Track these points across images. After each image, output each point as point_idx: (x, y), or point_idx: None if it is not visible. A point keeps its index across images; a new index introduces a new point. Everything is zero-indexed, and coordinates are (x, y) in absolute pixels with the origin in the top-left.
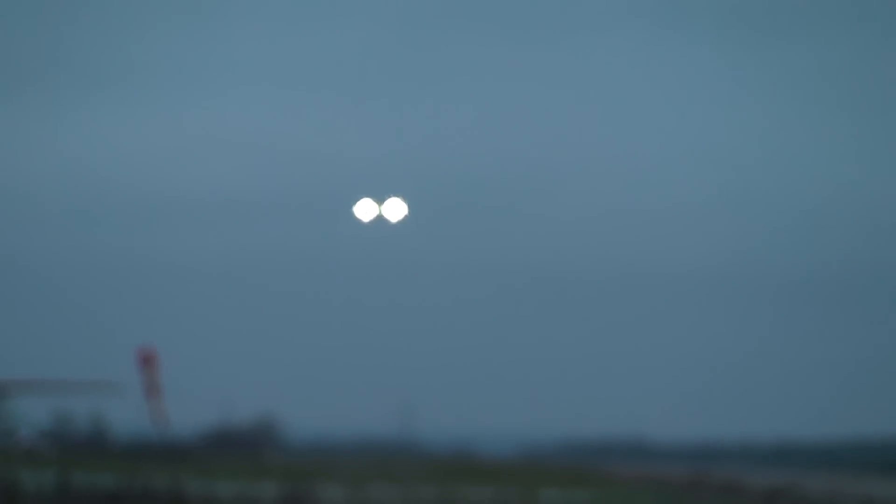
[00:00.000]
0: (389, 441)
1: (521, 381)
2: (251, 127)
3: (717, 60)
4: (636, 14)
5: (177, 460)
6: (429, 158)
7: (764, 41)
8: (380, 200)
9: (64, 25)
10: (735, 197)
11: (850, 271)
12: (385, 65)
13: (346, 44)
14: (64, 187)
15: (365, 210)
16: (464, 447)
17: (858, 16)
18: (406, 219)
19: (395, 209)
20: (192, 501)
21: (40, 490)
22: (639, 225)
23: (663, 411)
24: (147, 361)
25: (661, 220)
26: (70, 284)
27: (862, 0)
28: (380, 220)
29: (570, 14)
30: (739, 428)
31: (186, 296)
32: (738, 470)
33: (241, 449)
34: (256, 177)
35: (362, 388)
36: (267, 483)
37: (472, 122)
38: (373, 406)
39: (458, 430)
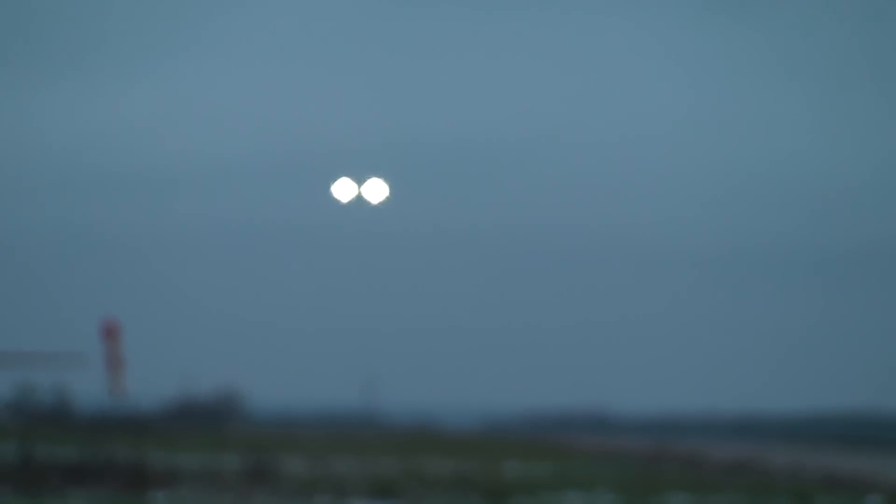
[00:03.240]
0: (352, 414)
1: (484, 355)
2: (225, 100)
3: (702, 36)
4: None
5: (139, 432)
6: (407, 131)
7: (754, 15)
8: (359, 179)
9: None
10: (713, 167)
11: (818, 247)
12: (365, 39)
13: (327, 18)
14: (26, 159)
15: (343, 190)
16: (426, 420)
17: None
18: (385, 197)
19: (376, 190)
20: (155, 474)
21: (2, 462)
22: (610, 196)
23: (626, 384)
24: (110, 334)
25: (635, 192)
26: (33, 256)
27: None
28: (359, 200)
29: None
30: (702, 401)
31: (150, 268)
32: (701, 443)
33: (204, 421)
34: (228, 150)
35: (325, 362)
36: (229, 455)
37: (451, 96)
38: (335, 379)
39: (420, 404)
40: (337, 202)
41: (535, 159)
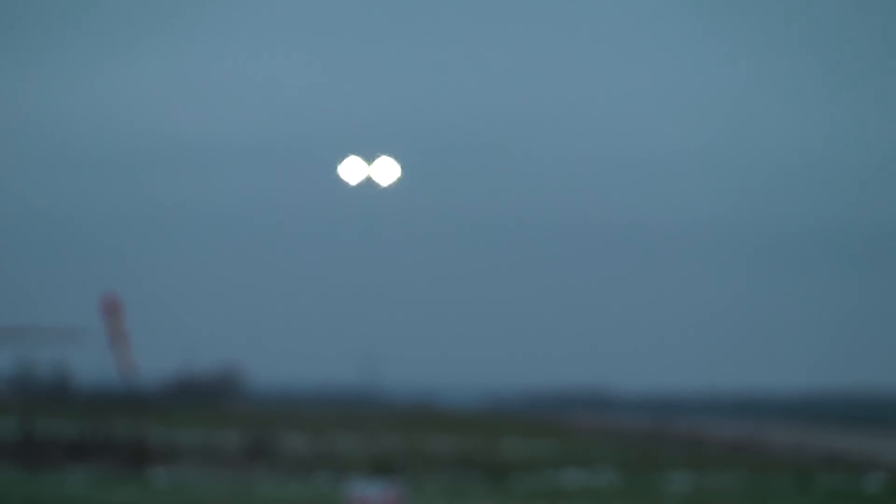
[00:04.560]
0: (353, 391)
1: (485, 333)
2: (231, 79)
3: (702, 17)
4: None
5: (139, 409)
6: (416, 115)
7: None
8: (368, 159)
9: None
10: (713, 151)
11: (819, 229)
12: (376, 16)
13: (339, 2)
14: (27, 134)
15: (352, 170)
16: (427, 398)
17: None
18: (396, 178)
19: (386, 170)
20: (155, 450)
21: (3, 438)
22: (609, 179)
23: (627, 363)
24: (111, 309)
25: (632, 174)
26: (35, 230)
27: None
28: (368, 181)
29: None
30: (703, 380)
31: (152, 246)
32: (702, 422)
33: (204, 398)
34: (234, 127)
35: (326, 339)
36: (229, 432)
37: (460, 81)
38: (336, 356)
39: (421, 381)
40: (345, 183)
41: (545, 142)
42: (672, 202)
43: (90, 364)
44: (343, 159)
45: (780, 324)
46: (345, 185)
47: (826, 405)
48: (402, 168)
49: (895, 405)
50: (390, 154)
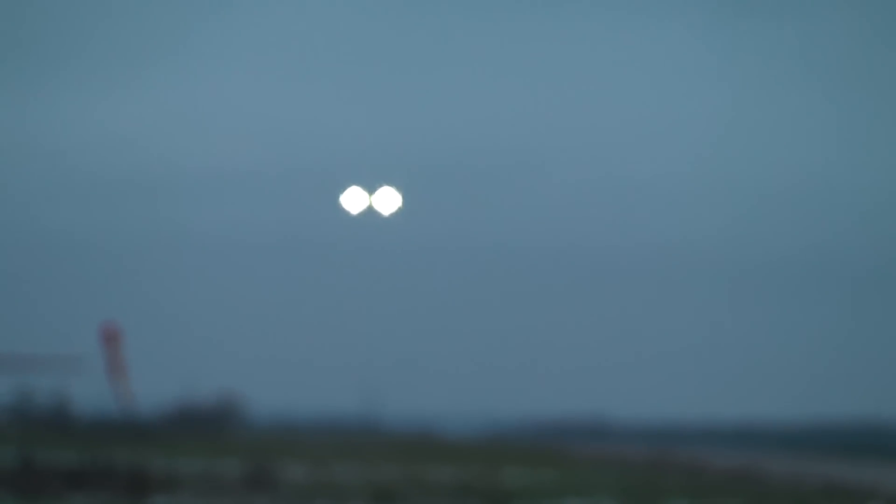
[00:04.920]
0: (352, 420)
1: (485, 362)
2: (232, 107)
3: (698, 38)
4: None
5: (139, 438)
6: (418, 144)
7: (748, 19)
8: (370, 189)
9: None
10: (708, 177)
11: (818, 255)
12: (374, 45)
13: (334, 23)
14: (23, 162)
15: (353, 200)
16: (427, 426)
17: None
18: (397, 208)
19: (388, 200)
20: (155, 479)
21: (1, 466)
22: (609, 206)
23: (626, 392)
24: (110, 338)
25: (631, 201)
26: (33, 259)
27: None
28: (370, 211)
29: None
30: (702, 409)
31: (152, 274)
32: (701, 450)
33: (204, 426)
34: (234, 155)
35: (326, 368)
36: (230, 460)
37: (463, 108)
38: (336, 385)
39: (421, 410)
40: (346, 213)
41: (550, 170)
42: (670, 228)
43: (90, 392)
44: (345, 189)
45: (779, 353)
46: (346, 214)
47: (825, 434)
48: (404, 198)
49: (894, 435)
50: (392, 184)
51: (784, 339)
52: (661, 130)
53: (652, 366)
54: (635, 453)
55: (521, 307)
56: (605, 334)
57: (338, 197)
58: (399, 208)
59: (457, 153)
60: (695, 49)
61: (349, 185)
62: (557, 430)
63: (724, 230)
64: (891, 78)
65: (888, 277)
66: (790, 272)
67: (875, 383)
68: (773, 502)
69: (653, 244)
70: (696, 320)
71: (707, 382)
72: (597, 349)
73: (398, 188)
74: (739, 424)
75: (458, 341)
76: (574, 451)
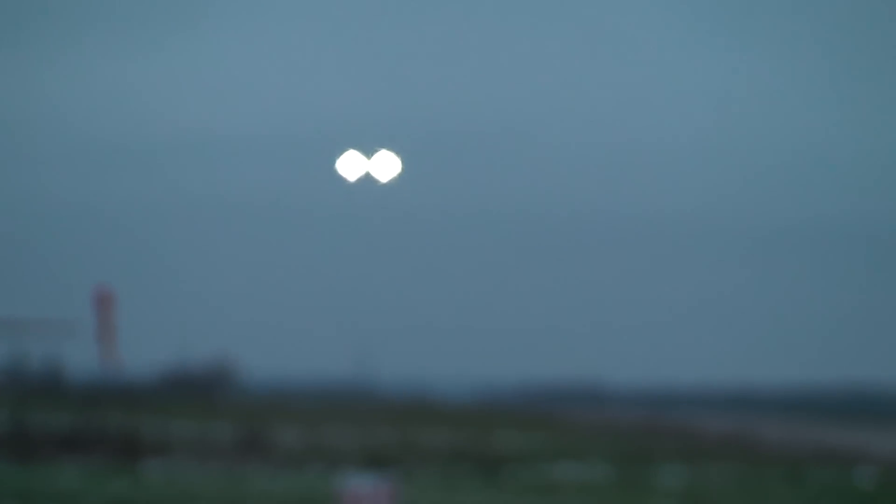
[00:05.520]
0: (346, 385)
1: (479, 327)
2: (229, 72)
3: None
4: None
5: (132, 402)
6: (417, 108)
7: None
8: (368, 154)
9: None
10: (708, 144)
11: (816, 223)
12: (374, 7)
13: None
14: (23, 128)
15: (350, 165)
16: (420, 391)
17: None
18: (396, 174)
19: (386, 165)
20: (147, 443)
21: None
22: (603, 172)
23: (620, 357)
24: (103, 302)
25: (626, 167)
26: (26, 222)
27: None
28: (367, 177)
29: None
30: (696, 374)
31: (147, 238)
32: (694, 415)
33: (197, 391)
34: (229, 120)
35: (320, 332)
36: (222, 425)
37: (462, 72)
38: (330, 350)
39: (414, 375)
40: (343, 178)
41: (549, 135)
42: (665, 194)
43: (83, 357)
44: (341, 154)
45: (773, 318)
46: (343, 180)
47: (819, 399)
48: (403, 163)
49: (888, 399)
50: (391, 149)
51: (778, 305)
52: (664, 95)
53: (646, 331)
54: (629, 418)
55: (516, 272)
56: (599, 299)
57: (334, 162)
58: (398, 174)
59: (457, 118)
60: (699, 10)
61: (346, 150)
62: (551, 394)
63: (719, 196)
64: None
65: (884, 245)
66: (785, 238)
67: (868, 348)
68: (766, 466)
69: (647, 210)
70: (689, 285)
71: (701, 347)
72: (591, 314)
73: (397, 153)
74: (733, 389)
75: (452, 306)
76: (568, 415)
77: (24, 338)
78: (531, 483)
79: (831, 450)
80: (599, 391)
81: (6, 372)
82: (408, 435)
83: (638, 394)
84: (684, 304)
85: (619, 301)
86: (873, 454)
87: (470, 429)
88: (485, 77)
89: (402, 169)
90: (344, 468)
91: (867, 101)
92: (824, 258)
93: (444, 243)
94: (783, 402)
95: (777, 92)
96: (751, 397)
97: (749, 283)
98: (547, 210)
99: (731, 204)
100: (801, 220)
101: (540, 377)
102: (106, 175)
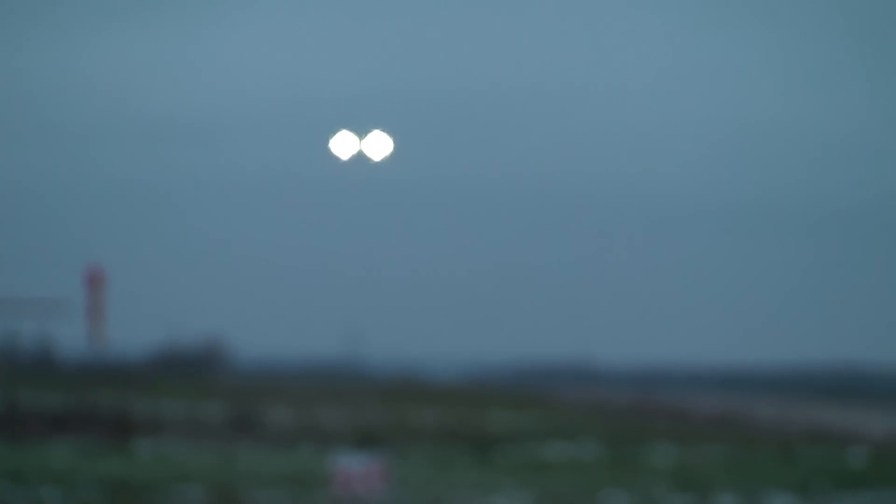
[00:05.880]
0: (337, 364)
1: (470, 306)
2: (221, 49)
3: None
4: None
5: (123, 381)
6: (409, 87)
7: None
8: (360, 133)
9: None
10: (708, 125)
11: (808, 203)
12: None
13: None
14: (11, 104)
15: (343, 145)
16: (411, 371)
17: None
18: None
19: (378, 144)
20: (139, 422)
21: None
22: (598, 150)
23: (611, 336)
24: (94, 282)
25: (622, 146)
26: (18, 202)
27: None
28: (360, 156)
29: None
30: (687, 353)
31: (138, 216)
32: (685, 395)
33: (188, 370)
34: (222, 99)
35: (311, 312)
36: (214, 404)
37: (454, 50)
38: (321, 329)
39: (405, 354)
40: (335, 158)
41: (541, 110)
42: (659, 175)
43: (74, 336)
44: (334, 133)
45: (764, 297)
46: (336, 159)
47: (810, 379)
48: (395, 142)
49: (879, 379)
50: (383, 128)
51: (769, 284)
52: (668, 76)
53: (636, 310)
54: (619, 397)
55: (507, 251)
56: (590, 278)
57: (327, 141)
58: (390, 153)
59: (449, 95)
60: None
61: (339, 130)
62: (542, 374)
63: (711, 176)
64: None
65: (876, 225)
66: (776, 218)
67: (860, 327)
68: (757, 446)
69: (639, 190)
70: (681, 265)
71: (692, 327)
72: (582, 293)
73: (389, 133)
74: (724, 369)
75: (443, 285)
76: (559, 395)
77: (15, 317)
78: (522, 462)
79: (823, 430)
80: (591, 370)
81: None
82: (399, 414)
83: (629, 373)
84: (675, 284)
85: (610, 280)
86: (865, 434)
87: (461, 408)
88: (477, 57)
89: (394, 148)
90: (335, 447)
91: (870, 85)
92: (816, 238)
93: (435, 223)
94: (775, 382)
95: (783, 74)
96: (742, 377)
97: (741, 263)
98: (538, 189)
99: (723, 184)
100: (793, 200)
101: (531, 356)
102: (97, 155)
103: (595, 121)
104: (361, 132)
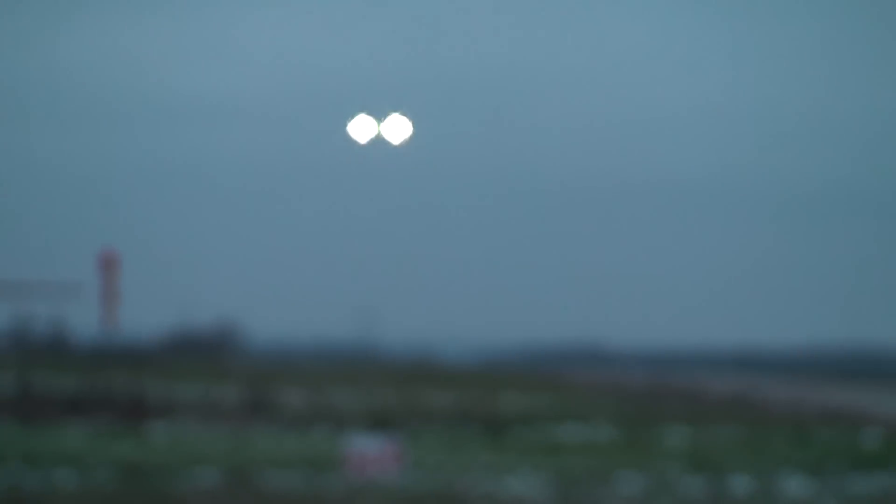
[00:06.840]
0: (350, 346)
1: (484, 288)
2: (241, 33)
3: None
4: None
5: (137, 364)
6: (428, 71)
7: None
8: (379, 117)
9: None
10: (717, 107)
11: (821, 184)
12: None
13: None
14: (29, 86)
15: (361, 128)
16: (425, 353)
17: None
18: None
19: (398, 128)
20: (153, 405)
21: (1, 393)
22: (612, 134)
23: (625, 318)
24: (108, 265)
25: (634, 130)
26: (33, 185)
27: None
28: (378, 140)
29: None
30: (701, 335)
31: (154, 199)
32: (700, 376)
33: (202, 353)
34: (239, 82)
35: (324, 294)
36: (227, 387)
37: (473, 35)
38: (334, 311)
39: (419, 336)
40: (354, 142)
41: (558, 95)
42: (670, 157)
43: (88, 319)
44: (353, 117)
45: (778, 278)
46: (354, 142)
47: (824, 360)
48: (414, 126)
49: (893, 360)
50: (402, 111)
51: (784, 265)
52: (671, 62)
53: (650, 292)
54: (634, 379)
55: (521, 234)
56: (602, 260)
57: (346, 125)
58: (409, 137)
59: (469, 78)
60: None
61: (357, 113)
62: (556, 356)
63: (723, 160)
64: None
65: (890, 205)
66: (790, 199)
67: (873, 309)
68: (771, 427)
69: (652, 172)
70: (694, 247)
71: (705, 308)
72: (596, 276)
73: (408, 116)
74: (738, 350)
75: (456, 267)
76: (572, 377)
77: (29, 300)
78: (536, 444)
79: (836, 411)
80: (604, 352)
81: (12, 334)
82: (413, 396)
83: (643, 355)
84: (689, 266)
85: (624, 263)
86: (879, 415)
87: (474, 390)
88: (497, 41)
89: (413, 132)
90: (349, 430)
91: (876, 64)
92: (831, 218)
93: (452, 206)
94: (788, 363)
95: (784, 58)
96: (756, 358)
97: (754, 245)
98: (554, 173)
99: (733, 166)
100: (806, 181)
101: (545, 338)
102: (112, 138)
103: (613, 109)
104: (380, 116)
